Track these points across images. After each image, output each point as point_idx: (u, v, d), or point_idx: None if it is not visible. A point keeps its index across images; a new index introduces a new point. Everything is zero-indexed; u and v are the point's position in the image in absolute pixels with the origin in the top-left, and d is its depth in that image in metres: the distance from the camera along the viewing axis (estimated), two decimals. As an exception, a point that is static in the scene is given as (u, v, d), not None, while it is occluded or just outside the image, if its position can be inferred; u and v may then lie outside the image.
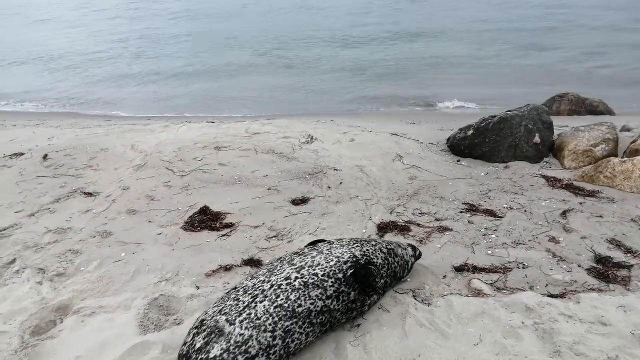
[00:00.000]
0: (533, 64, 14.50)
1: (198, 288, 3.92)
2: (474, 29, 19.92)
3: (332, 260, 3.26)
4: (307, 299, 3.02)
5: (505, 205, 5.21)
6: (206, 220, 5.10)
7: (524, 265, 4.07)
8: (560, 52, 15.59)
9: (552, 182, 5.68)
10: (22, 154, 7.38)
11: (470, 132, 6.76)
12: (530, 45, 16.59)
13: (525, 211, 5.05)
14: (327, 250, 3.40)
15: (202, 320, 2.99)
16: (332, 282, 3.14)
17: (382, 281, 3.50)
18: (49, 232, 4.96)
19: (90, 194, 5.89)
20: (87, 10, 33.75)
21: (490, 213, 5.05)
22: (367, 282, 3.33)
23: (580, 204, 5.11)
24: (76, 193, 5.94)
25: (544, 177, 5.87)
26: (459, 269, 4.04)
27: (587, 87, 11.49)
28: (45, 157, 7.18)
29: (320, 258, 3.27)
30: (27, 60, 20.03)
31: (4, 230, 5.04)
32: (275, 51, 18.45)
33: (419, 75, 14.05)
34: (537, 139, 6.48)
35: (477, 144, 6.64)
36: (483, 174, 6.13)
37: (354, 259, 3.34)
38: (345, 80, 14.15)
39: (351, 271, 3.26)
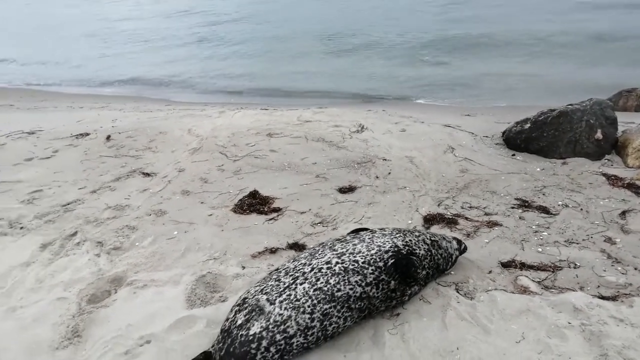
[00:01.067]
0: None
1: (243, 268, 4.04)
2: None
3: (373, 249, 3.27)
4: (347, 284, 3.05)
5: (560, 203, 5.01)
6: (255, 203, 5.23)
7: (576, 264, 3.91)
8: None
9: (613, 180, 5.40)
10: (88, 134, 7.82)
11: (527, 126, 6.52)
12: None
13: (581, 209, 4.84)
14: (369, 238, 3.42)
15: (244, 298, 3.10)
16: (372, 269, 3.15)
17: (424, 272, 3.48)
18: (109, 208, 5.25)
19: (148, 174, 6.17)
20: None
21: (544, 210, 4.88)
22: (408, 272, 3.33)
23: (642, 204, 4.84)
24: (135, 173, 6.24)
25: (604, 174, 5.59)
26: (506, 265, 3.94)
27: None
28: (108, 137, 7.57)
29: (362, 245, 3.29)
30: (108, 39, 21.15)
31: (68, 204, 5.38)
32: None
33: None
34: (598, 135, 6.17)
35: (533, 138, 6.40)
36: (538, 169, 5.91)
37: (396, 249, 3.33)
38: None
39: (392, 260, 3.26)
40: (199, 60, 17.16)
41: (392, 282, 3.23)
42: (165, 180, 5.95)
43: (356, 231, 3.76)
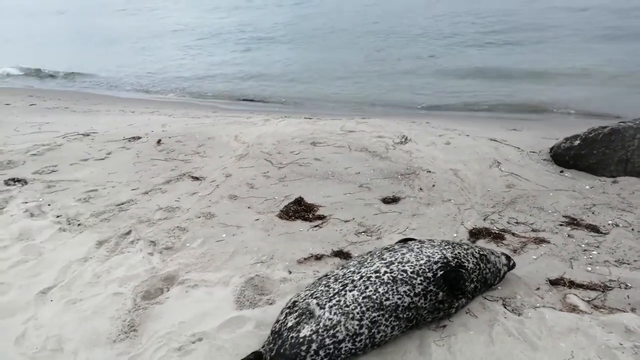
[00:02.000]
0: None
1: (290, 272, 4.14)
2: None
3: (422, 259, 3.31)
4: (395, 293, 3.10)
5: (610, 222, 4.90)
6: (300, 210, 5.34)
7: (627, 285, 3.83)
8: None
9: (667, 201, 5.25)
10: (139, 138, 8.14)
11: (577, 142, 6.41)
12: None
13: (633, 229, 4.72)
14: (418, 248, 3.45)
15: (295, 302, 3.19)
16: (420, 280, 3.19)
17: (472, 285, 3.48)
18: (160, 210, 5.47)
19: (197, 178, 6.38)
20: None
21: (593, 228, 4.79)
22: (457, 284, 3.34)
23: (698, 226, 4.69)
24: (184, 176, 6.46)
25: (658, 195, 5.44)
26: (554, 283, 3.90)
27: None
28: (159, 141, 7.86)
29: (410, 255, 3.34)
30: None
31: (122, 204, 5.63)
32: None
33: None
34: (652, 154, 5.99)
35: (583, 155, 6.28)
36: (588, 187, 5.80)
37: (445, 260, 3.36)
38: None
39: (441, 272, 3.29)
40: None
41: (440, 293, 3.25)
42: (214, 185, 6.14)
43: (404, 241, 3.79)
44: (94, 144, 7.85)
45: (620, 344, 3.15)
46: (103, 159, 7.20)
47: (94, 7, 40.39)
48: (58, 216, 5.26)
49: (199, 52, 20.97)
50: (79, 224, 5.12)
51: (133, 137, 8.18)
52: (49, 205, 5.55)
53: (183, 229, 4.99)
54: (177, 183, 6.27)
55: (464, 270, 3.40)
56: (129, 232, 4.94)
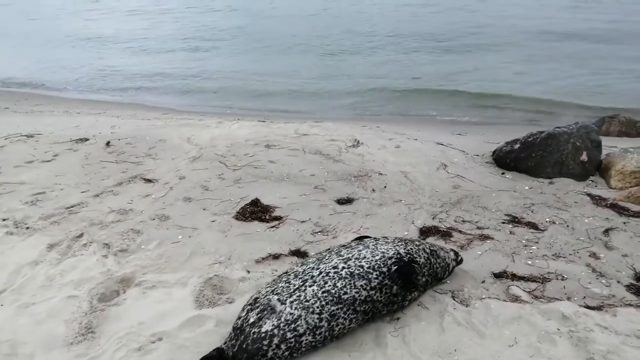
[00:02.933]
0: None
1: (248, 272, 4.21)
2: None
3: (377, 255, 3.48)
4: (352, 287, 3.24)
5: (547, 219, 5.28)
6: (256, 211, 5.41)
7: (563, 277, 4.16)
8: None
9: (597, 200, 5.70)
10: (87, 139, 7.94)
11: (517, 146, 6.83)
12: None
13: (568, 226, 5.11)
14: (373, 245, 3.62)
15: (256, 298, 3.27)
16: (376, 274, 3.35)
17: (424, 279, 3.69)
18: (113, 212, 5.38)
19: (149, 180, 6.31)
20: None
21: (532, 225, 5.14)
22: (410, 278, 3.53)
23: (624, 223, 5.12)
24: (136, 178, 6.37)
25: (589, 195, 5.89)
26: (498, 276, 4.17)
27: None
28: (108, 143, 7.69)
29: (366, 252, 3.50)
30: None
31: (72, 207, 5.50)
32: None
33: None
34: (584, 157, 6.49)
35: (522, 157, 6.70)
36: (527, 187, 6.19)
37: (398, 256, 3.54)
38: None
39: (395, 267, 3.46)
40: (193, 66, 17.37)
41: (395, 287, 3.43)
42: (167, 187, 6.09)
43: (360, 238, 3.95)
44: (38, 146, 7.58)
45: (558, 329, 3.43)
46: (49, 160, 6.97)
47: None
48: (4, 219, 5.08)
49: (145, 54, 20.48)
50: (27, 227, 4.96)
51: (80, 139, 7.95)
52: (-7, 208, 5.34)
53: (137, 231, 4.94)
54: (128, 185, 6.17)
55: (416, 265, 3.59)
56: (81, 235, 4.84)
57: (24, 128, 8.67)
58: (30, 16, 33.35)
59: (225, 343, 3.17)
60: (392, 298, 3.46)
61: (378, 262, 3.42)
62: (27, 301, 3.75)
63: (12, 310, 3.63)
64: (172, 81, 15.95)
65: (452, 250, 4.14)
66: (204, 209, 5.51)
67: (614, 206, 5.53)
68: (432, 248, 3.89)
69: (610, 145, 7.56)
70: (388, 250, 3.55)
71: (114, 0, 38.75)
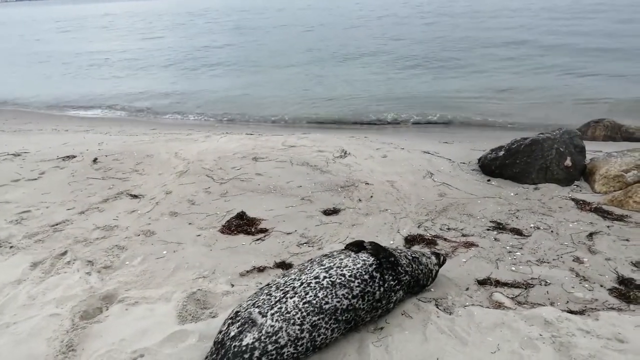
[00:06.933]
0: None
1: (232, 285, 4.19)
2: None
3: (358, 263, 3.48)
4: (334, 297, 3.24)
5: (532, 225, 5.30)
6: (242, 224, 5.40)
7: (546, 282, 4.17)
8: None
9: (581, 204, 5.74)
10: (74, 157, 7.92)
11: (502, 153, 6.88)
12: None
13: (552, 231, 5.14)
14: (355, 254, 3.62)
15: (237, 312, 3.25)
16: (358, 282, 3.35)
17: (406, 277, 3.69)
18: (97, 229, 5.36)
19: (136, 196, 6.29)
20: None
21: (517, 232, 5.16)
22: (385, 253, 3.60)
23: (608, 227, 5.15)
24: (123, 194, 6.36)
25: (573, 199, 5.93)
26: (482, 282, 4.18)
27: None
28: (95, 160, 7.69)
29: (348, 260, 3.50)
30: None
31: (57, 224, 5.48)
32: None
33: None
34: (568, 162, 6.54)
35: (507, 164, 6.75)
36: (512, 194, 6.23)
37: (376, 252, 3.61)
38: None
39: (370, 246, 3.58)
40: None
41: (377, 292, 3.43)
42: (153, 202, 6.08)
43: (352, 245, 3.91)
44: (25, 164, 7.56)
45: (541, 335, 3.43)
46: (36, 179, 6.95)
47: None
48: (-12, 239, 5.05)
49: (131, 73, 20.55)
50: (11, 246, 4.93)
51: (67, 156, 7.94)
52: (-24, 228, 5.31)
53: (122, 248, 4.92)
54: (114, 201, 6.16)
55: (393, 259, 3.61)
56: (64, 253, 4.81)
57: (11, 147, 8.66)
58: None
59: (206, 358, 3.14)
60: (376, 304, 3.45)
61: (360, 270, 3.42)
62: (8, 321, 3.70)
63: (-7, 330, 3.60)
64: (164, 96, 16.00)
65: (433, 253, 4.15)
66: (189, 224, 5.50)
67: (598, 210, 5.57)
68: (413, 255, 3.91)
69: (595, 149, 7.65)
70: (369, 258, 3.55)
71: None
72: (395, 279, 3.60)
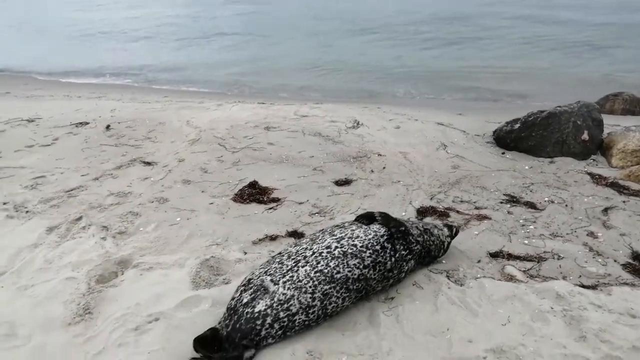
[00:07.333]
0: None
1: (245, 253, 4.23)
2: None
3: (370, 234, 3.48)
4: (345, 266, 3.26)
5: (546, 199, 5.25)
6: (254, 193, 5.42)
7: (559, 256, 4.15)
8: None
9: (597, 179, 5.66)
10: (87, 123, 7.94)
11: (517, 126, 6.77)
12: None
13: (566, 205, 5.09)
14: (366, 225, 3.62)
15: (249, 279, 3.29)
16: (369, 252, 3.36)
17: (417, 247, 3.69)
18: (112, 195, 5.41)
19: (149, 163, 6.32)
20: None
21: (531, 205, 5.12)
22: (397, 224, 3.61)
23: (624, 202, 5.09)
24: (136, 162, 6.39)
25: (589, 174, 5.85)
26: (494, 255, 4.17)
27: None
28: (107, 127, 7.70)
29: (359, 231, 3.50)
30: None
31: (72, 190, 5.53)
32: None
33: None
34: (585, 136, 6.43)
35: (523, 137, 6.65)
36: (527, 167, 6.16)
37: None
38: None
39: (380, 217, 3.61)
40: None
41: (389, 262, 3.44)
42: (166, 170, 6.10)
43: (362, 217, 3.91)
44: (39, 130, 7.60)
45: (552, 308, 3.44)
46: (49, 145, 7.00)
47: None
48: (5, 203, 5.12)
49: (144, 42, 20.38)
50: (27, 211, 5.00)
51: (80, 123, 7.96)
52: (-7, 192, 5.38)
53: (136, 214, 4.97)
54: (128, 169, 6.19)
55: (404, 228, 3.61)
56: (80, 218, 4.87)
57: (25, 112, 8.68)
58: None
59: (219, 323, 3.20)
60: (387, 274, 3.47)
61: (371, 241, 3.43)
62: (26, 283, 3.79)
63: (11, 292, 3.68)
64: (175, 65, 15.91)
65: (445, 225, 4.14)
66: (202, 192, 5.53)
67: (614, 185, 5.50)
68: (425, 226, 3.90)
69: (613, 123, 7.50)
70: (380, 229, 3.55)
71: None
72: (407, 248, 3.60)
